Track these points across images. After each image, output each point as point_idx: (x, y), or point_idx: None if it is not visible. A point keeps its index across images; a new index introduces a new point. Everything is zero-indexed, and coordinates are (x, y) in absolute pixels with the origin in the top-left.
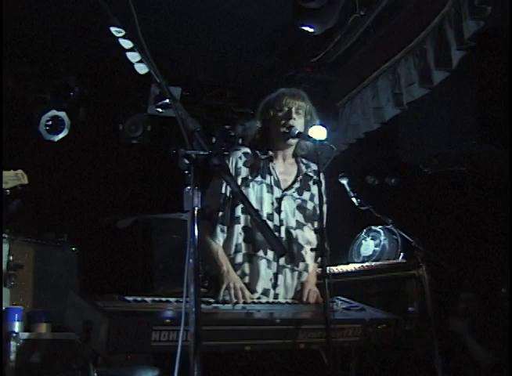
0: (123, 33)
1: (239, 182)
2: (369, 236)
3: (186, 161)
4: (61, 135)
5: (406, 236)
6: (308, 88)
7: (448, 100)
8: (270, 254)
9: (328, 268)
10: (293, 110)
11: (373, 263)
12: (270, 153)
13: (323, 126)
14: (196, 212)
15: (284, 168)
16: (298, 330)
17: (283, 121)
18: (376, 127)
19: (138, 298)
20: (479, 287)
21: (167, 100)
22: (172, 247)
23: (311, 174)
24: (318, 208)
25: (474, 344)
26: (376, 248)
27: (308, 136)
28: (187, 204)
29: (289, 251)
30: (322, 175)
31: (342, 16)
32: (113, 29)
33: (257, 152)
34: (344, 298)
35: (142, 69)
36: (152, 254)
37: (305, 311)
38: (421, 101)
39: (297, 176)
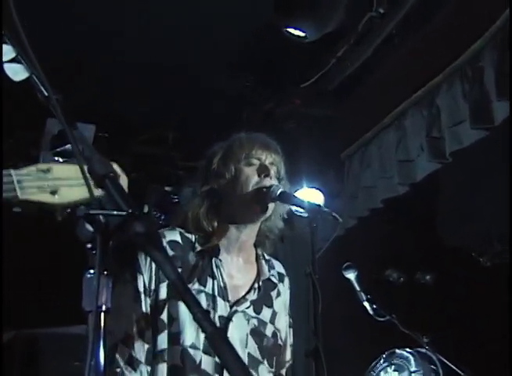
0: None
1: (164, 293)
2: (391, 364)
3: (89, 228)
4: None
5: (452, 366)
6: (295, 128)
7: None
8: None
9: None
10: (267, 164)
11: None
12: (215, 241)
13: (319, 190)
14: (102, 316)
15: (236, 268)
16: None
17: (256, 180)
18: (403, 191)
19: None
20: None
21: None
22: None
23: (274, 279)
24: (281, 335)
25: None
26: None
27: (297, 198)
28: (87, 300)
29: None
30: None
31: (351, 16)
32: None
33: (195, 238)
34: None
35: (16, 73)
36: None
37: None
38: (473, 150)
39: (255, 281)
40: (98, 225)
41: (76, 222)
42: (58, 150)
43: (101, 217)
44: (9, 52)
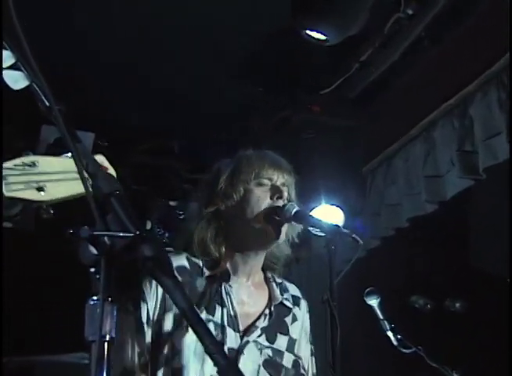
0: None
1: (168, 325)
2: None
3: (93, 250)
4: None
5: None
6: (313, 138)
7: None
8: None
9: None
10: (279, 184)
11: None
12: (224, 265)
13: (339, 207)
14: (106, 346)
15: (247, 293)
16: None
17: (268, 202)
18: (431, 209)
19: None
20: None
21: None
22: None
23: (288, 303)
24: (303, 364)
25: None
26: None
27: (314, 218)
28: (90, 329)
29: None
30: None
31: (376, 17)
32: None
33: (202, 263)
34: None
35: (16, 80)
36: None
37: None
38: (506, 166)
39: (267, 307)
40: (102, 247)
41: (79, 243)
42: None
43: (106, 238)
44: (8, 58)
